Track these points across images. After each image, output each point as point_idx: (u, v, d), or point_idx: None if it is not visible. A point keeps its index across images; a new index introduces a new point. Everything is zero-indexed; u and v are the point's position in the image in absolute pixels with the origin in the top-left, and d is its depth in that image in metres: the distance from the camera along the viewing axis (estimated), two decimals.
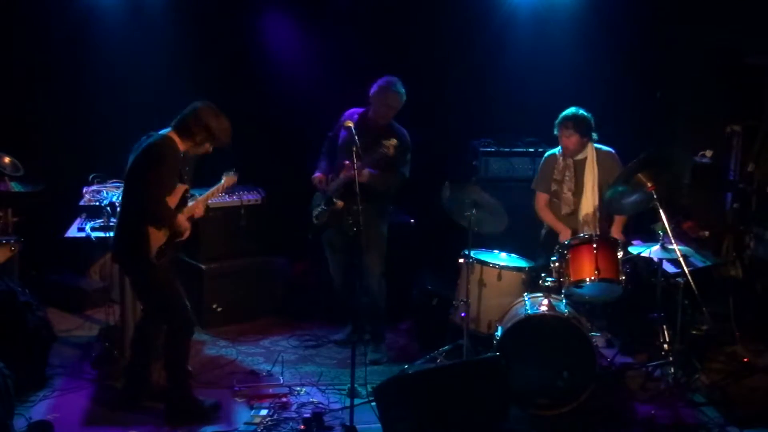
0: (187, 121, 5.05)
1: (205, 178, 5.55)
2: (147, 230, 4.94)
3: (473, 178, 6.89)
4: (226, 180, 5.47)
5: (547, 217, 6.19)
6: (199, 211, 5.31)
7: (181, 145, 5.04)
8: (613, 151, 6.11)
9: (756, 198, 6.75)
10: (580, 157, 6.07)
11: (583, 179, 6.06)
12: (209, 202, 5.48)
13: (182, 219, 5.11)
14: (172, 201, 5.05)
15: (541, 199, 6.23)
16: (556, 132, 6.04)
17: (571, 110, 6.00)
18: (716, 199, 7.11)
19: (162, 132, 5.06)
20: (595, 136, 6.04)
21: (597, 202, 6.04)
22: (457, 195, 5.68)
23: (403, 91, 5.92)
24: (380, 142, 5.65)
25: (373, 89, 5.93)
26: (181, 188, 5.09)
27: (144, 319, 5.34)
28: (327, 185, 6.03)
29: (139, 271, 5.07)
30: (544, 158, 6.27)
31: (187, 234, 5.16)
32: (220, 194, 5.61)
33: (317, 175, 6.12)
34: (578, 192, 6.07)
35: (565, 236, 5.98)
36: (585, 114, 5.99)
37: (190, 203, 5.23)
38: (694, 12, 7.03)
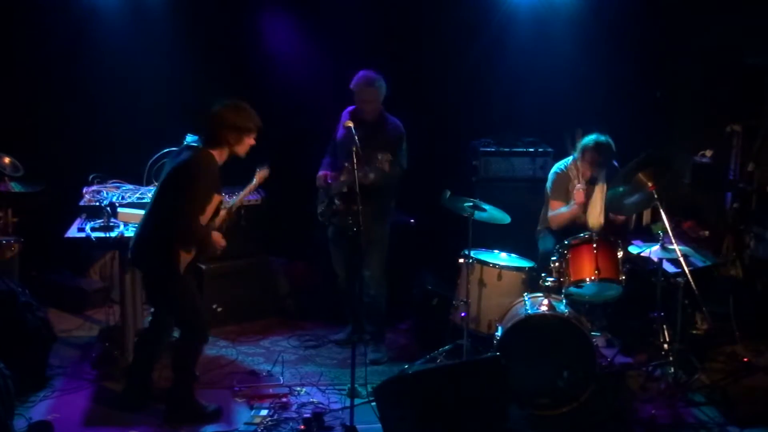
0: (212, 130, 4.95)
1: (232, 176, 5.35)
2: (178, 249, 4.89)
3: (473, 179, 6.90)
4: (258, 176, 5.39)
5: (559, 218, 6.09)
6: (230, 216, 5.26)
7: (220, 156, 4.95)
8: (616, 164, 6.09)
9: (756, 198, 6.75)
10: None
11: (593, 195, 6.07)
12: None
13: (218, 237, 5.09)
14: (208, 212, 4.97)
15: (555, 206, 6.13)
16: (576, 155, 6.01)
17: (599, 140, 5.90)
18: (716, 198, 7.10)
19: (198, 145, 4.96)
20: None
21: (603, 220, 6.04)
22: (455, 203, 5.69)
23: (377, 82, 5.88)
24: (375, 155, 5.58)
25: (352, 87, 5.93)
26: (217, 199, 5.02)
27: (151, 322, 5.31)
28: (330, 183, 6.04)
29: (167, 281, 4.99)
30: (554, 174, 6.16)
31: (221, 247, 5.14)
32: (252, 192, 5.51)
33: (321, 173, 6.13)
34: (586, 207, 6.07)
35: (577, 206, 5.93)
36: (611, 145, 5.92)
37: (224, 209, 5.17)
38: (694, 12, 7.02)
